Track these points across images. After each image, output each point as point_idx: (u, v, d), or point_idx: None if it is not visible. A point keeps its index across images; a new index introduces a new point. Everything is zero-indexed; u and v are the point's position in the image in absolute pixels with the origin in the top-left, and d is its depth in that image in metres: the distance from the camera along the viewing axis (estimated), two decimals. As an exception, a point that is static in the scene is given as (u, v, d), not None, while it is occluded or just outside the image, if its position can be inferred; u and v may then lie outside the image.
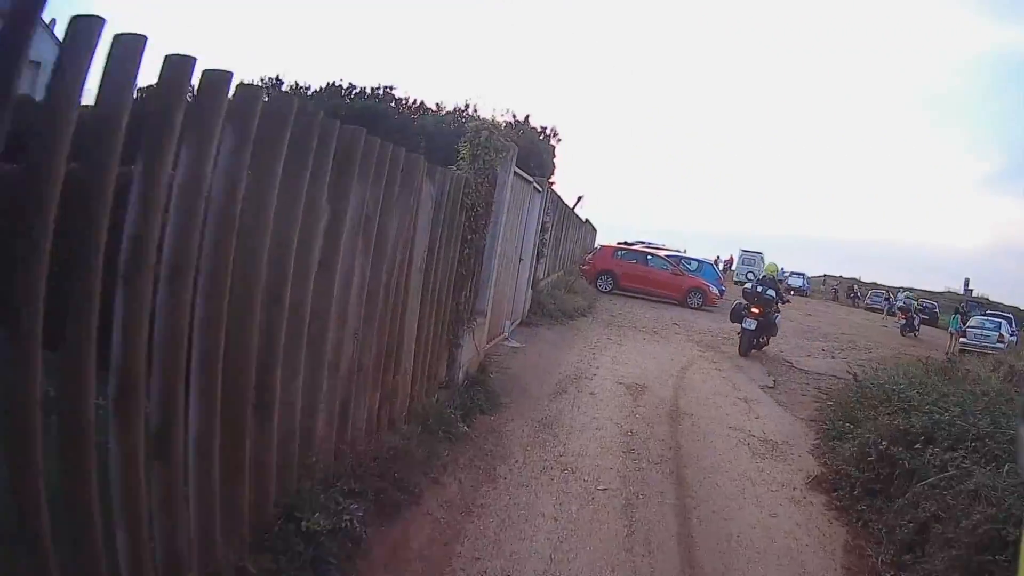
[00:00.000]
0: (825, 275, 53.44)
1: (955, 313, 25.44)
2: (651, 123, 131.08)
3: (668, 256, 26.73)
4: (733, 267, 49.85)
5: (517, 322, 11.99)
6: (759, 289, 12.77)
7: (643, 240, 39.80)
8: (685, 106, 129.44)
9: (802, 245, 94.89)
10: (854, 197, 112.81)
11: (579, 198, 24.17)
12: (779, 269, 16.98)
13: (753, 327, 12.46)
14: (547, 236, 14.73)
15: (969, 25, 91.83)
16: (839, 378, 11.52)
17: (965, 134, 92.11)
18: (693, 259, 28.36)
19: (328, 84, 28.85)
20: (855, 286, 44.63)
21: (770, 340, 13.37)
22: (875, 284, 53.60)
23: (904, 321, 26.42)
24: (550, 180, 23.07)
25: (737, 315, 12.81)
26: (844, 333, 23.16)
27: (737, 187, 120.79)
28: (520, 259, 11.31)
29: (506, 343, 10.44)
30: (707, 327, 18.80)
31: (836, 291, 45.05)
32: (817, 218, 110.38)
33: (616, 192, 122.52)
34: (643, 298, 23.35)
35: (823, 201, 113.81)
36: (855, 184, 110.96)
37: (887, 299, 33.32)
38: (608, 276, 23.77)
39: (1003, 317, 26.25)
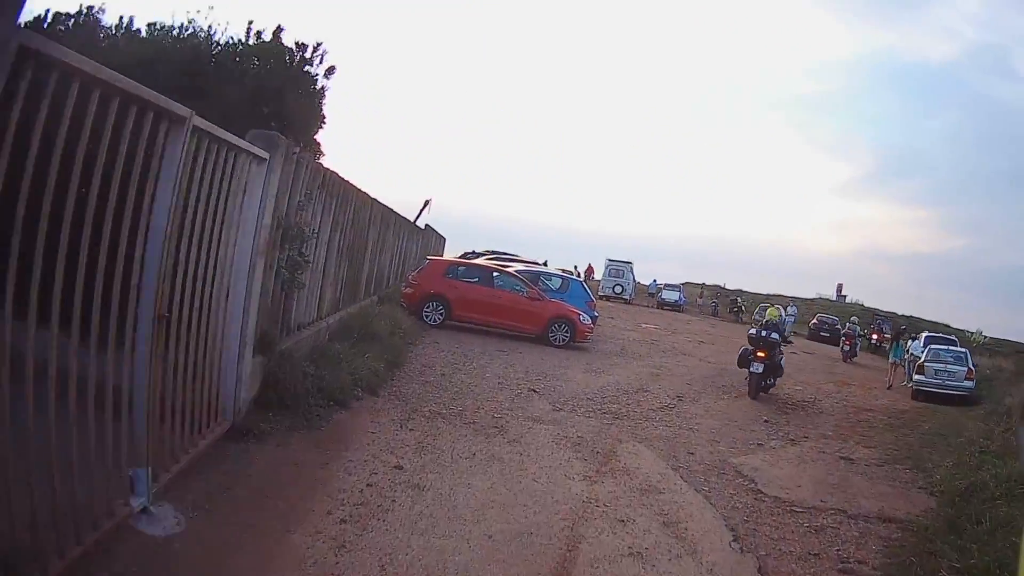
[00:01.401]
0: (687, 283, 49.21)
1: (894, 340, 20.31)
2: (503, 112, 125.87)
3: (522, 271, 19.87)
4: (595, 277, 44.34)
5: (182, 463, 4.40)
6: (763, 334, 13.21)
7: (496, 250, 32.92)
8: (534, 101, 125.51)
9: (661, 249, 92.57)
10: (714, 200, 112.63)
11: (426, 203, 20.70)
12: (775, 311, 15.66)
13: (760, 370, 12.95)
14: (312, 245, 7.45)
15: (832, 29, 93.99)
16: (855, 518, 6.64)
17: (830, 137, 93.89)
18: (555, 274, 21.68)
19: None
20: (739, 299, 40.00)
21: (776, 381, 13.69)
22: (740, 291, 50.04)
23: (848, 347, 24.95)
24: (315, 141, 15.17)
25: (744, 360, 13.30)
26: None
27: (596, 186, 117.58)
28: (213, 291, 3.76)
29: None
30: (586, 388, 11.96)
31: (716, 305, 40.35)
32: (679, 221, 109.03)
33: (469, 191, 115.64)
34: (488, 332, 16.24)
35: (685, 204, 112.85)
36: (716, 187, 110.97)
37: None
38: (438, 303, 16.49)
39: (947, 340, 21.66)
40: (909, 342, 19.58)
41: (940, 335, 22.41)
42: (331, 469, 6.01)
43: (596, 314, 19.90)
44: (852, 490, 7.93)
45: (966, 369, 16.93)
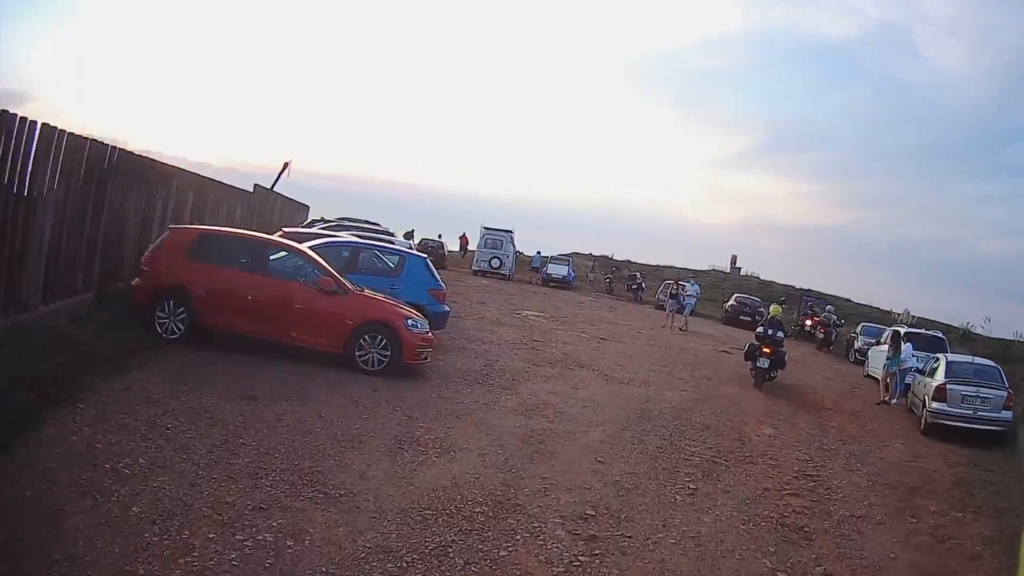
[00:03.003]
0: (575, 253, 43.18)
1: (893, 345, 14.47)
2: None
3: (336, 244, 12.73)
4: (471, 248, 37.52)
5: None
6: (770, 332, 13.53)
7: (349, 218, 25.46)
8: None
9: (545, 216, 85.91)
10: (602, 169, 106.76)
11: (284, 165, 18.98)
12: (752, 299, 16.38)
13: (767, 365, 13.26)
14: None
15: (720, 4, 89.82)
16: None
17: (724, 112, 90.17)
18: (392, 248, 14.56)
19: None
20: (639, 275, 33.87)
21: (779, 373, 13.84)
22: (629, 261, 44.65)
23: (823, 336, 23.28)
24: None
25: (751, 355, 13.52)
26: (721, 407, 11.02)
27: (479, 150, 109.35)
28: None
29: None
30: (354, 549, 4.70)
31: (610, 281, 34.21)
32: (565, 189, 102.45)
33: (339, 155, 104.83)
34: (260, 351, 9.07)
35: (573, 171, 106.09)
36: (604, 157, 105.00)
37: (674, 294, 22.40)
38: (177, 302, 9.14)
39: (937, 340, 16.18)
40: (904, 345, 13.94)
41: (920, 331, 17.05)
42: None
43: (446, 309, 12.98)
44: None
45: (1004, 393, 11.27)
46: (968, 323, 27.73)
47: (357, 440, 6.78)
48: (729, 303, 27.17)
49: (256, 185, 24.54)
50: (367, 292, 10.54)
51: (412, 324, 10.13)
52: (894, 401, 13.77)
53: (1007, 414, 11.12)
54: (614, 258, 46.02)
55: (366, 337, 9.80)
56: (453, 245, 40.48)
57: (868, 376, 17.38)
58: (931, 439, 11.11)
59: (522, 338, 15.13)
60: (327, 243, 13.11)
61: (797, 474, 8.15)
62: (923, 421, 11.65)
